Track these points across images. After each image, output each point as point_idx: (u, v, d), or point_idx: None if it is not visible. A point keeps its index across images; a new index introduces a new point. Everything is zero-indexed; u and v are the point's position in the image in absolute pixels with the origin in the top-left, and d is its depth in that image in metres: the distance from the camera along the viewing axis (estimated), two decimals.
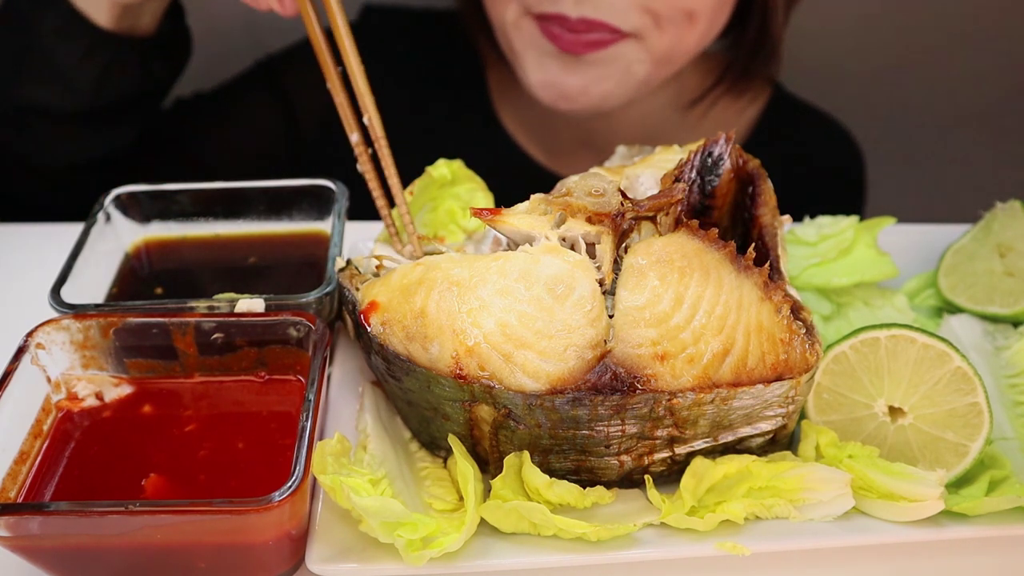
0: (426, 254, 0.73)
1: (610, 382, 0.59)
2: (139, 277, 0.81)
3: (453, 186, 0.83)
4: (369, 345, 0.66)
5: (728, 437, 0.65)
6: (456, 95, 1.23)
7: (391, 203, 0.77)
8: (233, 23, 1.42)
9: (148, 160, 1.12)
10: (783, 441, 0.68)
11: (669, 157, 0.75)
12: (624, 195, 0.64)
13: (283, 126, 1.22)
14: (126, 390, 0.68)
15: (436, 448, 0.69)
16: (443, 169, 0.82)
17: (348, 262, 0.72)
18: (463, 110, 1.23)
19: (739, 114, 1.25)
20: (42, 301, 0.69)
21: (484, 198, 0.83)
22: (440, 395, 0.63)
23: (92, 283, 0.75)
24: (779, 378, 0.62)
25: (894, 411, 0.68)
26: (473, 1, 1.11)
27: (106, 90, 0.97)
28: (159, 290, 0.78)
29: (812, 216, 0.87)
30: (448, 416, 0.64)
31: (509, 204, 0.66)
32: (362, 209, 0.84)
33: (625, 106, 1.14)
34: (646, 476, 0.64)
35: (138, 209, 0.82)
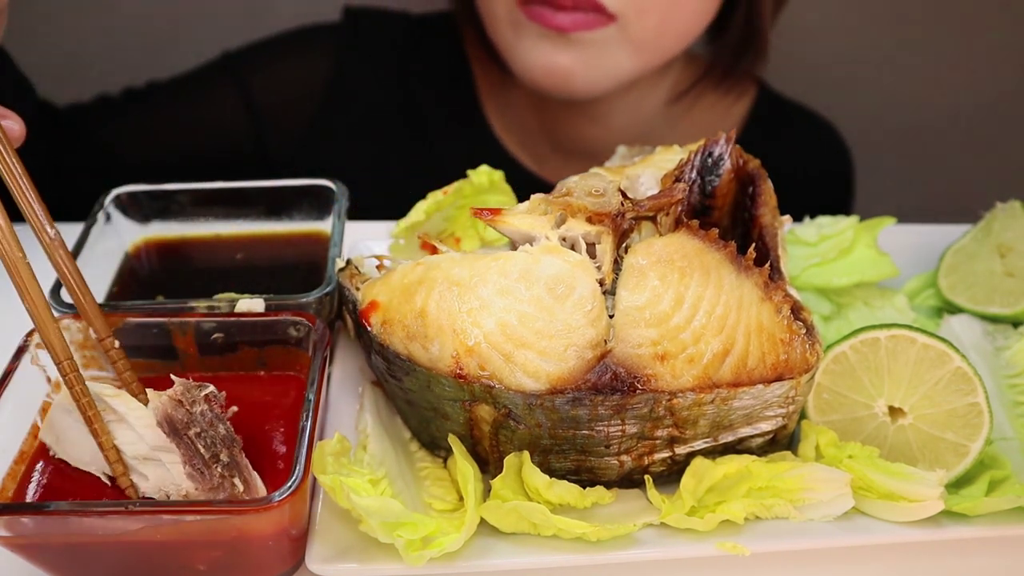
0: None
1: (610, 382, 0.59)
2: (139, 277, 0.80)
3: (486, 194, 0.83)
4: (369, 345, 0.66)
5: (728, 437, 0.65)
6: (444, 99, 1.23)
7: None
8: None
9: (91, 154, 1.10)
10: (783, 441, 0.68)
11: (669, 157, 0.75)
12: (624, 195, 0.64)
13: (246, 123, 1.19)
14: None
15: (436, 448, 0.69)
16: (483, 176, 0.83)
17: (348, 262, 0.71)
18: (452, 114, 1.23)
19: (725, 112, 1.26)
20: None
21: None
22: (440, 395, 0.63)
23: (92, 283, 0.75)
24: (779, 378, 0.62)
25: (894, 411, 0.68)
26: (466, 1, 1.13)
27: None
28: (160, 297, 0.78)
29: (811, 216, 0.87)
30: (448, 416, 0.64)
31: None
32: (362, 209, 0.84)
33: (613, 109, 1.15)
34: (646, 476, 0.64)
35: (138, 209, 0.82)
